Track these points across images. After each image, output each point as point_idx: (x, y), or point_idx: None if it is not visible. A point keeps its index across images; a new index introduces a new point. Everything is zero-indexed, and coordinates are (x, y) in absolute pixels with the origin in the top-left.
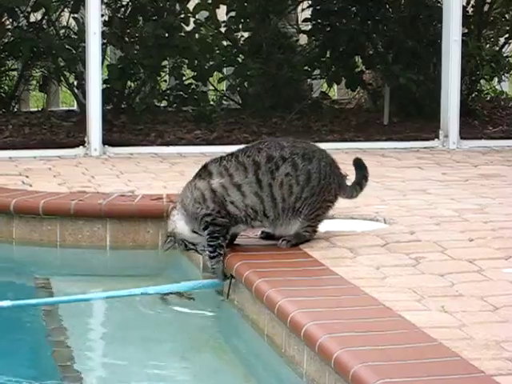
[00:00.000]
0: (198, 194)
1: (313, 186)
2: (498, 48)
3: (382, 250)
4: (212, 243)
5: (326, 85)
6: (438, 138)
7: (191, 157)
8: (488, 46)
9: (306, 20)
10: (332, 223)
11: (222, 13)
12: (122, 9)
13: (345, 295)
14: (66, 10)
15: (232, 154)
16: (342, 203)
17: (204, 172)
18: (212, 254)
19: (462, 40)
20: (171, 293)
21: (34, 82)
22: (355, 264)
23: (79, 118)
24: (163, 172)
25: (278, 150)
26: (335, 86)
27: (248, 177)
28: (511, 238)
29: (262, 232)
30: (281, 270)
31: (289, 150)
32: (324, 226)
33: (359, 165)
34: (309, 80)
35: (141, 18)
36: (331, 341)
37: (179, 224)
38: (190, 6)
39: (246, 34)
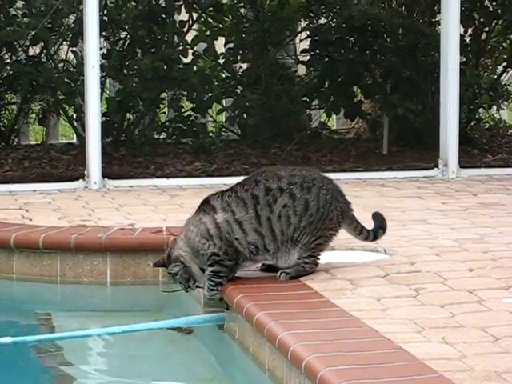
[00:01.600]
0: (204, 229)
1: (311, 214)
2: (496, 76)
3: (382, 281)
4: (215, 280)
5: (324, 115)
6: (437, 167)
7: (191, 189)
8: (486, 74)
9: (304, 51)
10: (332, 254)
11: (220, 44)
12: (121, 41)
13: (345, 327)
14: (64, 43)
15: (231, 189)
16: (342, 234)
17: (207, 207)
18: (212, 288)
19: (460, 69)
20: (172, 328)
21: (34, 116)
22: (356, 296)
23: (79, 150)
24: (163, 204)
25: (276, 181)
26: (334, 116)
27: (248, 213)
28: (511, 267)
29: (263, 264)
30: (281, 302)
31: (287, 181)
32: (324, 258)
33: (378, 217)
34: (308, 110)
35: (139, 50)
36: (332, 374)
37: (187, 258)
38: (189, 38)
39: (244, 66)
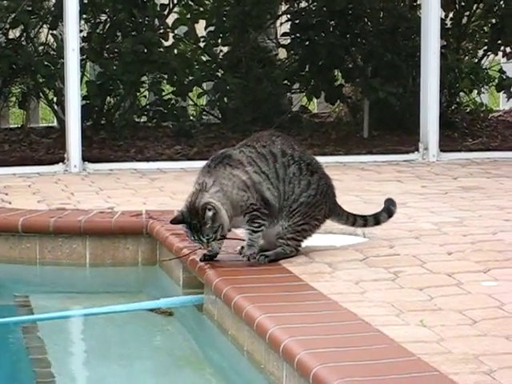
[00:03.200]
0: (239, 182)
1: (309, 194)
2: (476, 60)
3: (360, 264)
4: (256, 231)
5: (305, 98)
6: (417, 150)
7: (171, 172)
8: (467, 58)
9: (284, 34)
10: (311, 238)
11: (201, 28)
12: (101, 24)
13: (324, 310)
14: (44, 26)
15: (248, 145)
16: None
17: (232, 161)
18: (252, 243)
19: (441, 53)
20: (151, 309)
21: (14, 99)
22: (334, 279)
23: (59, 134)
24: (143, 188)
25: (290, 149)
26: (315, 100)
27: (270, 168)
28: (490, 250)
29: (242, 247)
30: (259, 285)
31: (298, 154)
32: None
33: (386, 201)
34: (288, 94)
35: (119, 33)
36: (310, 356)
37: (218, 204)
38: (169, 21)
39: (225, 49)
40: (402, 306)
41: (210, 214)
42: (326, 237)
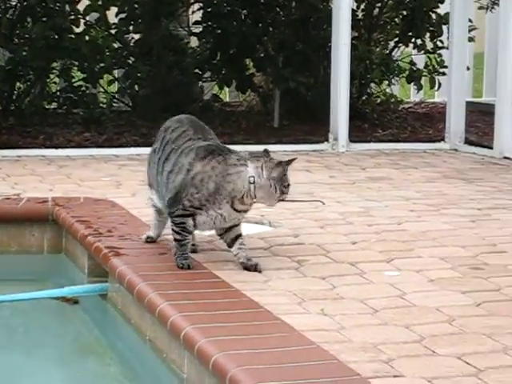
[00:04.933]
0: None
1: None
2: (387, 51)
3: (265, 253)
4: None
5: (217, 87)
6: (327, 141)
7: (80, 159)
8: (378, 49)
9: (196, 22)
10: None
11: (112, 14)
12: (11, 10)
13: (226, 299)
14: None
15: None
16: None
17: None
18: None
19: (352, 43)
20: (56, 297)
21: None
22: (238, 267)
23: None
24: (50, 175)
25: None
26: (226, 89)
27: None
28: (394, 240)
29: (148, 237)
30: (163, 273)
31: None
32: None
33: None
34: (200, 82)
35: (30, 19)
36: (210, 344)
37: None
38: (80, 7)
39: (136, 36)
40: (305, 294)
41: None
42: None
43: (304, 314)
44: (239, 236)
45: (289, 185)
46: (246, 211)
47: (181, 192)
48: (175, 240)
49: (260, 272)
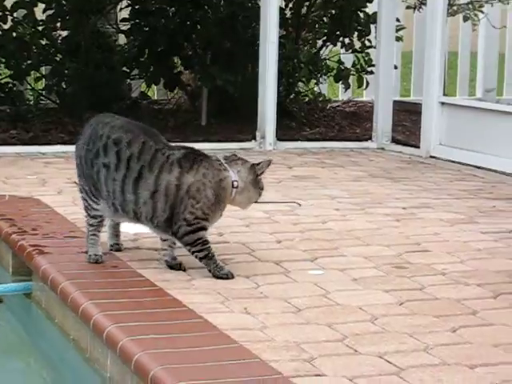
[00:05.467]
0: None
1: None
2: (315, 50)
3: (185, 251)
4: None
5: (145, 85)
6: (254, 139)
7: (5, 157)
8: (306, 48)
9: (124, 20)
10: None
11: (39, 11)
12: None
13: (149, 297)
14: None
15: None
16: None
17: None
18: None
19: (280, 42)
20: None
21: None
22: (162, 266)
23: None
24: None
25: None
26: (155, 87)
27: None
28: (319, 239)
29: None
30: (87, 272)
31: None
32: (133, 228)
33: None
34: (128, 80)
35: None
36: (132, 343)
37: None
38: (8, 3)
39: (64, 33)
40: (228, 293)
41: None
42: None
43: (227, 312)
44: None
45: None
46: None
47: (177, 208)
48: (202, 258)
49: (184, 271)
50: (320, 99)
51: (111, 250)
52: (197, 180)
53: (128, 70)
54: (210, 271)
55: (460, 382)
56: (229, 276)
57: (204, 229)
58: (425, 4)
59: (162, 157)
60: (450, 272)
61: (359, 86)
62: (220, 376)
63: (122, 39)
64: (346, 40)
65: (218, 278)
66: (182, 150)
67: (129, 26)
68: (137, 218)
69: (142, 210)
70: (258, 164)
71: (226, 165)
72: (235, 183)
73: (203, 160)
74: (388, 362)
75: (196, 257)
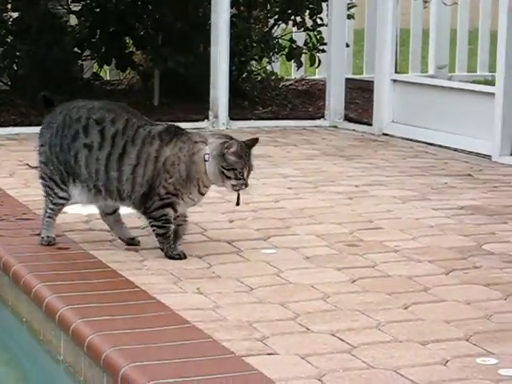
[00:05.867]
0: None
1: None
2: (267, 29)
3: (142, 232)
4: None
5: (97, 65)
6: (207, 118)
7: None
8: (258, 27)
9: (75, 1)
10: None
11: None
12: None
13: (102, 279)
14: None
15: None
16: None
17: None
18: None
19: (232, 21)
20: None
21: None
22: (114, 247)
23: None
24: None
25: None
26: (107, 67)
27: None
28: (271, 218)
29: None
30: (39, 254)
31: None
32: (86, 210)
33: None
34: (79, 61)
35: None
36: (84, 325)
37: None
38: None
39: (14, 15)
40: (181, 273)
41: None
42: None
43: (180, 293)
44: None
45: (235, 169)
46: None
47: (154, 183)
48: (159, 235)
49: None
50: (272, 78)
51: (130, 244)
52: (173, 154)
53: (80, 51)
54: (162, 250)
55: (412, 359)
56: (181, 256)
57: (172, 206)
58: None
59: (143, 131)
60: (402, 249)
61: (311, 65)
62: (172, 356)
63: (73, 20)
64: (298, 18)
65: (170, 258)
66: (164, 125)
67: (80, 7)
68: (120, 197)
69: (124, 188)
70: (241, 142)
71: (208, 138)
72: (206, 156)
73: (183, 134)
74: (340, 339)
75: (154, 231)
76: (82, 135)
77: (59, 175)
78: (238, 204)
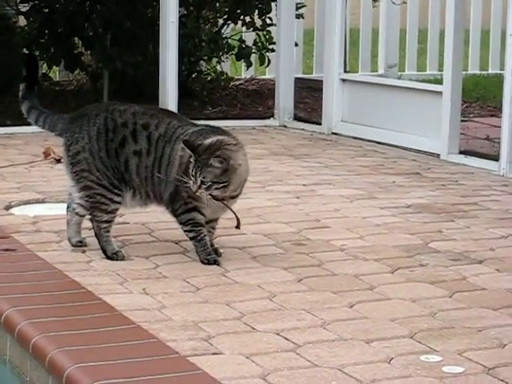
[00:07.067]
0: None
1: None
2: (216, 29)
3: (89, 233)
4: None
5: (46, 66)
6: None
7: None
8: (207, 26)
9: (23, 1)
10: (42, 207)
11: None
12: None
13: (48, 280)
14: None
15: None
16: (55, 187)
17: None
18: None
19: (181, 21)
20: None
21: None
22: (61, 249)
23: None
24: None
25: None
26: (56, 68)
27: None
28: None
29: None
30: None
31: None
32: (33, 211)
33: None
34: None
35: None
36: (30, 327)
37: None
38: None
39: None
40: (127, 274)
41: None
42: (58, 205)
43: (126, 293)
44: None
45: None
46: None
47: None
48: (191, 239)
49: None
50: (222, 78)
51: (79, 246)
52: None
53: (28, 52)
54: (197, 253)
55: (356, 357)
56: (210, 262)
57: (197, 210)
58: None
59: (180, 131)
60: (349, 248)
61: (261, 64)
62: (117, 357)
63: (22, 21)
64: (247, 18)
65: (203, 262)
66: (203, 126)
67: (28, 8)
68: (162, 199)
69: (161, 189)
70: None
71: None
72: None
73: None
74: (285, 338)
75: (187, 236)
76: (130, 141)
77: (107, 180)
78: (238, 227)
